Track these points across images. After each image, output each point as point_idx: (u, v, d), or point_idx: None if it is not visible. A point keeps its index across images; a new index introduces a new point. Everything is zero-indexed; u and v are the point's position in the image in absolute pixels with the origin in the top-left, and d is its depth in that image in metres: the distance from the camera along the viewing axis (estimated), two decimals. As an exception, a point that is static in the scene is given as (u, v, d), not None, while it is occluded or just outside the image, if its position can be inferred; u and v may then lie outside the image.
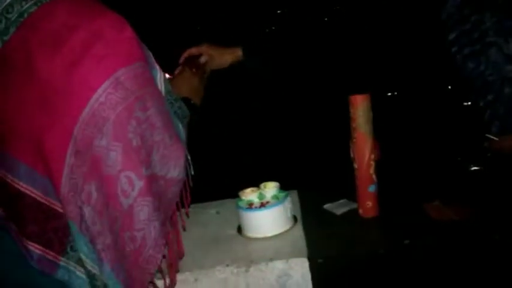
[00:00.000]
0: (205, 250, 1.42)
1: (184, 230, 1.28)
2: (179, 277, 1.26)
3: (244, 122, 1.61)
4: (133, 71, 0.98)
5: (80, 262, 0.99)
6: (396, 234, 1.33)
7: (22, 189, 0.96)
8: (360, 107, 1.37)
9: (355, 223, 1.44)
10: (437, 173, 1.61)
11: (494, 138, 1.07)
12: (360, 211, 1.47)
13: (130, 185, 0.98)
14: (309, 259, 1.30)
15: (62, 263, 0.99)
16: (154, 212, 1.02)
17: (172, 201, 1.11)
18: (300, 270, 1.30)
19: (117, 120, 0.95)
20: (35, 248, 0.97)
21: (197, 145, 1.22)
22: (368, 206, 1.44)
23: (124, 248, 1.01)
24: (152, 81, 1.03)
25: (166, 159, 1.04)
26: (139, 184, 0.99)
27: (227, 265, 1.32)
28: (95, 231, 0.97)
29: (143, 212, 1.01)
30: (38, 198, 0.96)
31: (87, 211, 0.96)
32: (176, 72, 1.43)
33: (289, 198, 1.50)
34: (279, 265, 1.31)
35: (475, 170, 1.62)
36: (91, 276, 0.99)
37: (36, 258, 0.98)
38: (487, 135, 1.10)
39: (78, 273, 1.00)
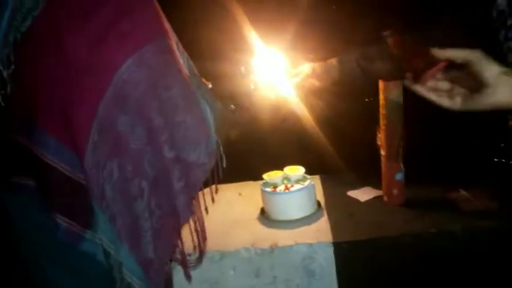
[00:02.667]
0: (229, 230, 1.43)
1: (207, 213, 1.28)
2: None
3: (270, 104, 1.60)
4: (158, 49, 0.96)
5: None
6: (422, 222, 1.34)
7: (50, 162, 0.96)
8: (391, 94, 1.37)
9: (380, 210, 1.44)
10: (464, 163, 1.60)
11: None
12: (385, 198, 1.47)
13: (151, 166, 0.97)
14: (334, 244, 1.31)
15: (87, 236, 0.99)
16: (177, 193, 1.01)
17: (196, 186, 1.07)
18: (323, 254, 1.31)
19: (140, 99, 0.94)
20: (62, 221, 0.98)
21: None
22: (394, 194, 1.44)
23: (143, 229, 1.00)
24: (178, 60, 1.01)
25: (187, 141, 1.02)
26: (161, 164, 0.98)
27: (252, 245, 1.33)
28: (115, 209, 0.97)
29: (164, 192, 1.00)
30: (65, 172, 0.96)
31: (108, 188, 0.96)
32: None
33: (313, 183, 1.50)
34: (303, 248, 1.32)
35: (501, 160, 1.62)
36: (107, 255, 0.99)
37: (62, 230, 0.98)
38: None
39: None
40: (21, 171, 1.00)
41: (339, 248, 1.31)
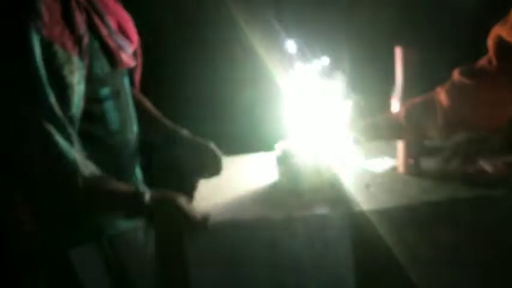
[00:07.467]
0: (243, 200, 1.43)
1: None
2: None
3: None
4: None
5: None
6: (435, 190, 1.34)
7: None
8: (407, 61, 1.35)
9: (395, 180, 1.43)
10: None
11: None
12: (400, 169, 1.46)
13: None
14: (349, 214, 1.31)
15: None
16: None
17: None
18: (339, 224, 1.31)
19: None
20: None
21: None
22: (408, 164, 1.43)
23: None
24: None
25: None
26: None
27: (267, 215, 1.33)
28: None
29: None
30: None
31: None
32: None
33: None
34: (318, 218, 1.32)
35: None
36: None
37: None
38: None
39: None
40: None
41: (354, 217, 1.30)
